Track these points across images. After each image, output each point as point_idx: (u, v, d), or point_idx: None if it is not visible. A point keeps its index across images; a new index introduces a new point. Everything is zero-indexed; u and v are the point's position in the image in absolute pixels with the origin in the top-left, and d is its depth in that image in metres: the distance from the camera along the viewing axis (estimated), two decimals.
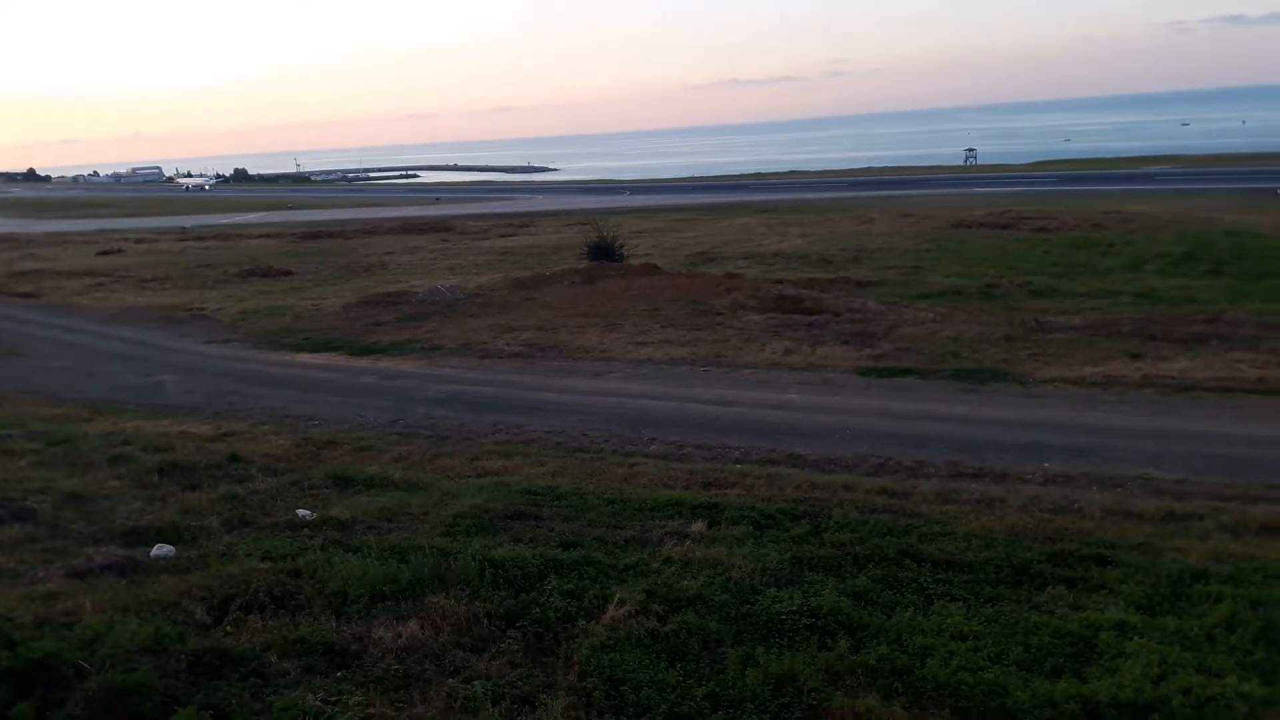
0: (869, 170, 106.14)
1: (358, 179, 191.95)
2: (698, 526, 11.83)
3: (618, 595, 9.47)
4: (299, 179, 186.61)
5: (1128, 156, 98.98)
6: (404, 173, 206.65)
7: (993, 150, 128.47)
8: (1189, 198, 54.18)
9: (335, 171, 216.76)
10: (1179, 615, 9.28)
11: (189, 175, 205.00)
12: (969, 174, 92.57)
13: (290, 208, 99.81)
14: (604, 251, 39.46)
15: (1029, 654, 8.49)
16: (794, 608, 9.34)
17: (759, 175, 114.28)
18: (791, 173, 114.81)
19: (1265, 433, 16.24)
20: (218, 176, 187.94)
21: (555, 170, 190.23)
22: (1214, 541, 11.51)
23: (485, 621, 8.97)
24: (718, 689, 7.84)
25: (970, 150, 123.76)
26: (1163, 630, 8.91)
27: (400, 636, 8.60)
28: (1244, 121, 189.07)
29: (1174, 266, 32.84)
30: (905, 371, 21.40)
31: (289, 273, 46.10)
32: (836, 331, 25.60)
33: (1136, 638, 8.71)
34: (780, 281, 33.42)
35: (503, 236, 59.92)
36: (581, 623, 9.03)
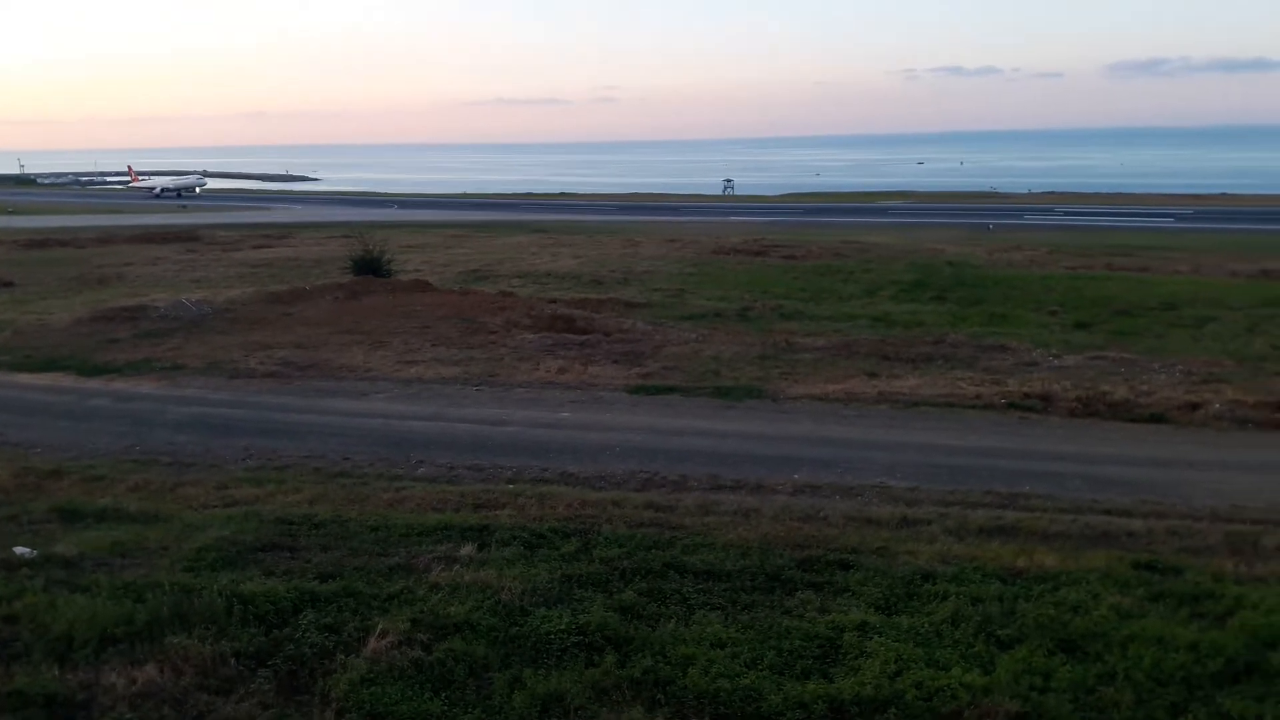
0: (636, 195, 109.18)
1: (92, 183, 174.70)
2: (467, 550, 11.68)
3: (380, 626, 9.18)
4: (22, 180, 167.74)
5: (867, 191, 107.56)
6: (147, 177, 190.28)
7: (748, 181, 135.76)
8: (918, 230, 59.59)
9: (66, 174, 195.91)
10: (912, 614, 10.14)
11: None
12: (727, 203, 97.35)
13: (10, 212, 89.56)
14: (370, 266, 38.18)
15: (781, 658, 8.99)
16: (563, 626, 9.41)
17: (531, 195, 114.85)
18: (563, 194, 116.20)
19: (983, 444, 18.06)
20: None
21: (317, 180, 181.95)
22: (941, 544, 12.66)
23: (233, 661, 8.49)
24: (484, 715, 7.76)
25: (728, 180, 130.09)
26: (898, 628, 9.71)
27: (135, 682, 7.94)
28: (961, 162, 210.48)
29: (905, 293, 35.98)
30: (671, 389, 22.13)
31: (9, 284, 41.33)
32: (608, 351, 26.10)
33: (876, 637, 9.44)
34: (554, 301, 33.69)
35: (257, 248, 56.62)
36: (340, 657, 8.70)
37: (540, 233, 63.18)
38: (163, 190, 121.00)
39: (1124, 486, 15.63)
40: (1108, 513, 14.40)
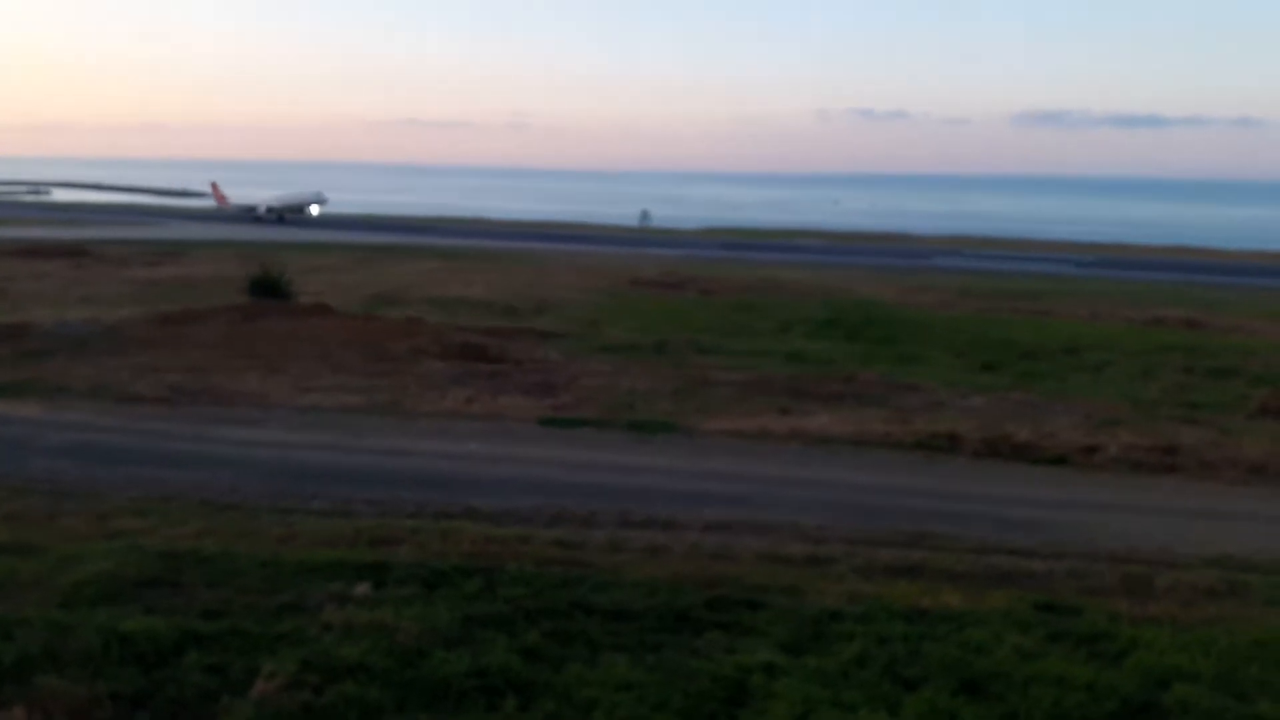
0: (551, 224, 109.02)
1: None
2: (363, 588, 11.21)
3: (268, 667, 8.74)
4: None
5: (782, 229, 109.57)
6: (33, 187, 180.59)
7: (665, 214, 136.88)
8: (831, 269, 60.78)
9: None
10: (819, 654, 10.04)
11: None
12: (643, 235, 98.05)
13: None
14: (269, 288, 36.85)
15: (689, 700, 8.78)
16: (463, 669, 9.07)
17: (442, 219, 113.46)
18: (475, 220, 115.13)
19: (891, 482, 18.25)
20: None
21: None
22: (849, 583, 12.66)
23: (109, 704, 8.04)
24: None
25: (645, 212, 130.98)
26: (805, 669, 9.59)
27: None
28: (836, 201, 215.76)
29: (818, 331, 36.55)
30: (583, 422, 21.86)
31: None
32: (519, 381, 25.73)
33: (783, 678, 9.31)
34: (463, 328, 33.15)
35: (149, 265, 54.20)
36: (225, 700, 8.26)
37: (450, 258, 62.37)
38: (268, 210, 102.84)
39: (1027, 527, 15.93)
40: (1011, 553, 14.63)
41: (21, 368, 25.50)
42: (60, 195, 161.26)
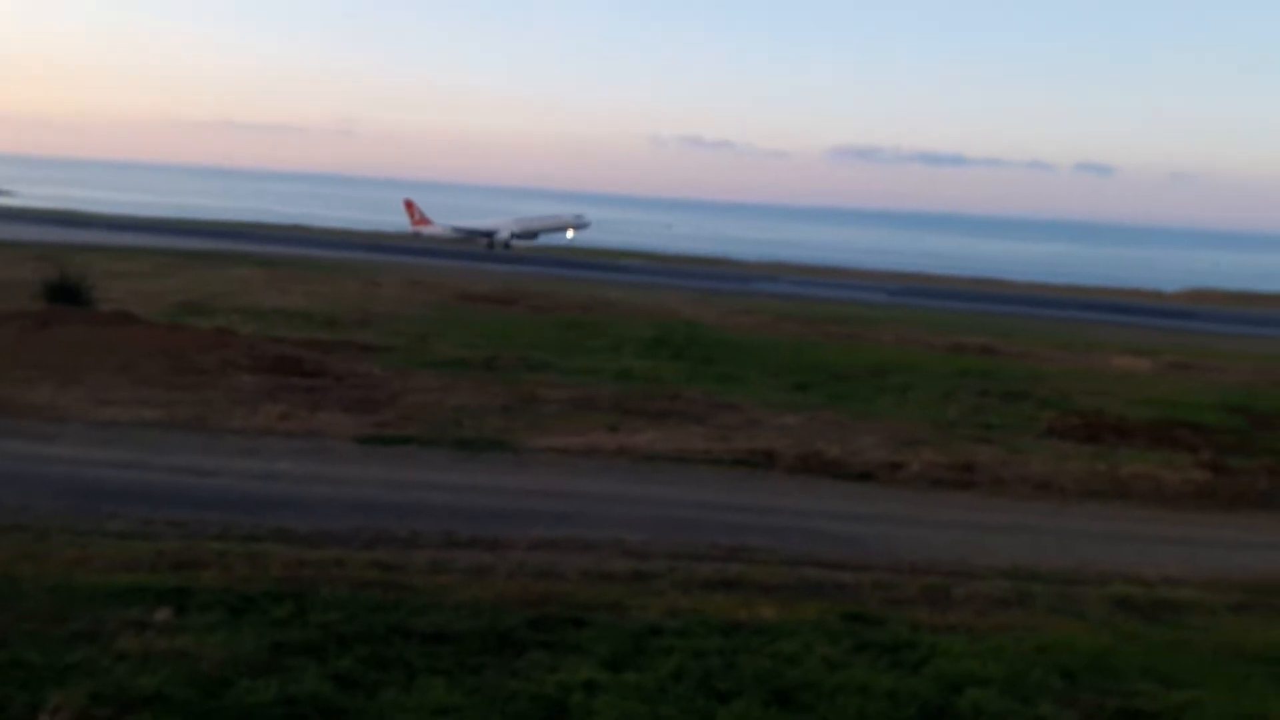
0: (379, 234, 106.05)
1: None
2: (163, 614, 10.54)
3: (54, 700, 8.12)
4: None
5: (614, 249, 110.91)
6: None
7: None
8: (658, 290, 61.98)
9: None
10: (639, 670, 10.19)
11: None
12: (477, 248, 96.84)
13: None
14: (66, 293, 34.13)
15: None
16: (269, 698, 8.68)
17: (260, 225, 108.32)
18: (297, 227, 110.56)
19: (712, 498, 18.76)
20: None
21: (9, 194, 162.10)
22: (670, 598, 12.91)
23: None
24: None
25: None
26: (625, 685, 9.71)
27: None
28: (669, 225, 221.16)
29: (646, 350, 37.14)
30: (407, 440, 21.32)
31: None
32: (339, 397, 24.83)
33: (603, 695, 9.38)
34: (279, 340, 31.71)
35: None
36: None
37: (268, 266, 59.57)
38: (513, 237, 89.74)
39: (837, 540, 16.72)
40: (822, 565, 15.31)
41: None
42: None
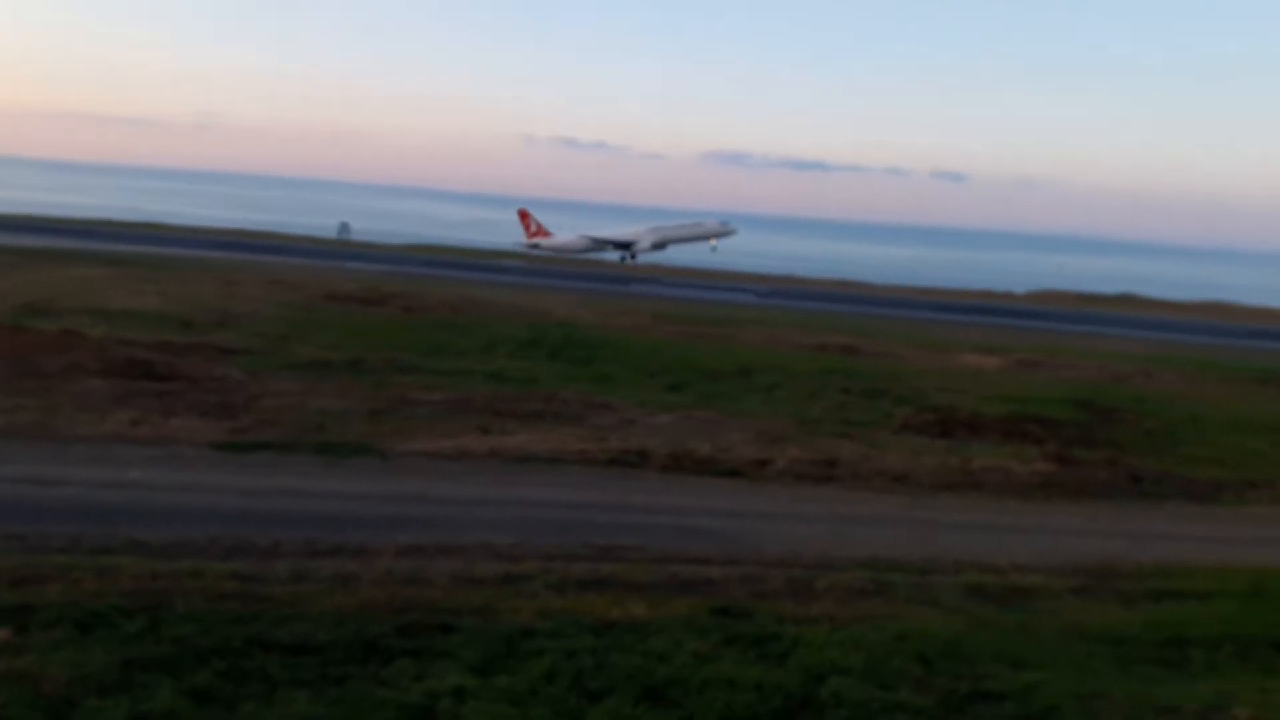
0: (239, 231, 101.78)
1: None
2: (2, 634, 9.91)
3: None
4: None
5: (489, 249, 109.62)
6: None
7: (367, 227, 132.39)
8: (534, 291, 61.65)
9: None
10: (510, 673, 10.14)
11: None
12: (342, 247, 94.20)
13: None
14: None
15: None
16: (120, 717, 8.29)
17: (112, 222, 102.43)
18: (151, 224, 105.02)
19: (585, 498, 18.82)
20: None
21: None
22: (542, 600, 12.90)
23: None
24: None
25: (345, 224, 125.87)
26: (495, 689, 9.66)
27: None
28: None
29: (520, 351, 36.89)
30: (267, 446, 20.56)
31: None
32: (194, 401, 23.74)
33: (472, 700, 9.31)
34: (130, 343, 30.07)
35: None
36: None
37: (118, 265, 56.33)
38: (653, 246, 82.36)
39: (707, 536, 17.04)
40: (692, 561, 15.59)
41: None
42: None
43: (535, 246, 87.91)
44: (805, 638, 12.62)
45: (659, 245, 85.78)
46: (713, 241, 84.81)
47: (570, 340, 39.62)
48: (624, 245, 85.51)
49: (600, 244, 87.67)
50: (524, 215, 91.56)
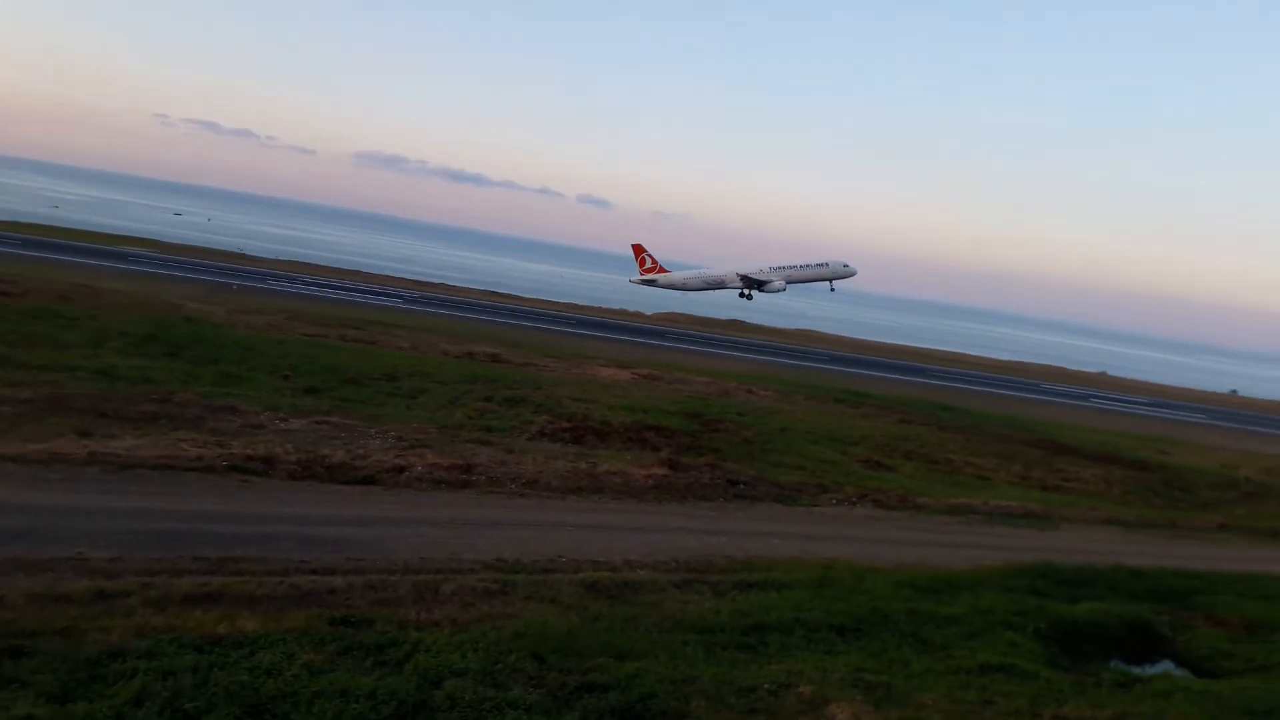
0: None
1: None
2: None
3: None
4: None
5: (109, 233, 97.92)
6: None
7: None
8: (161, 282, 56.01)
9: None
10: (92, 698, 9.33)
11: None
12: None
13: None
14: None
15: None
16: None
17: None
18: None
19: (199, 508, 17.57)
20: None
21: None
22: (139, 617, 11.93)
23: None
24: None
25: None
26: (73, 716, 8.85)
27: None
28: (209, 219, 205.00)
29: (136, 346, 33.47)
30: None
31: None
32: None
33: None
34: None
35: None
36: None
37: None
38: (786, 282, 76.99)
39: (333, 545, 16.63)
40: (314, 572, 15.16)
41: None
42: None
43: (651, 282, 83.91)
44: (425, 642, 12.80)
45: (774, 286, 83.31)
46: (832, 285, 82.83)
47: (196, 337, 36.70)
48: (757, 285, 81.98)
49: (716, 283, 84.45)
50: (638, 250, 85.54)
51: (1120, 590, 20.23)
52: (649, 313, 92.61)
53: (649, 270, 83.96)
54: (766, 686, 13.41)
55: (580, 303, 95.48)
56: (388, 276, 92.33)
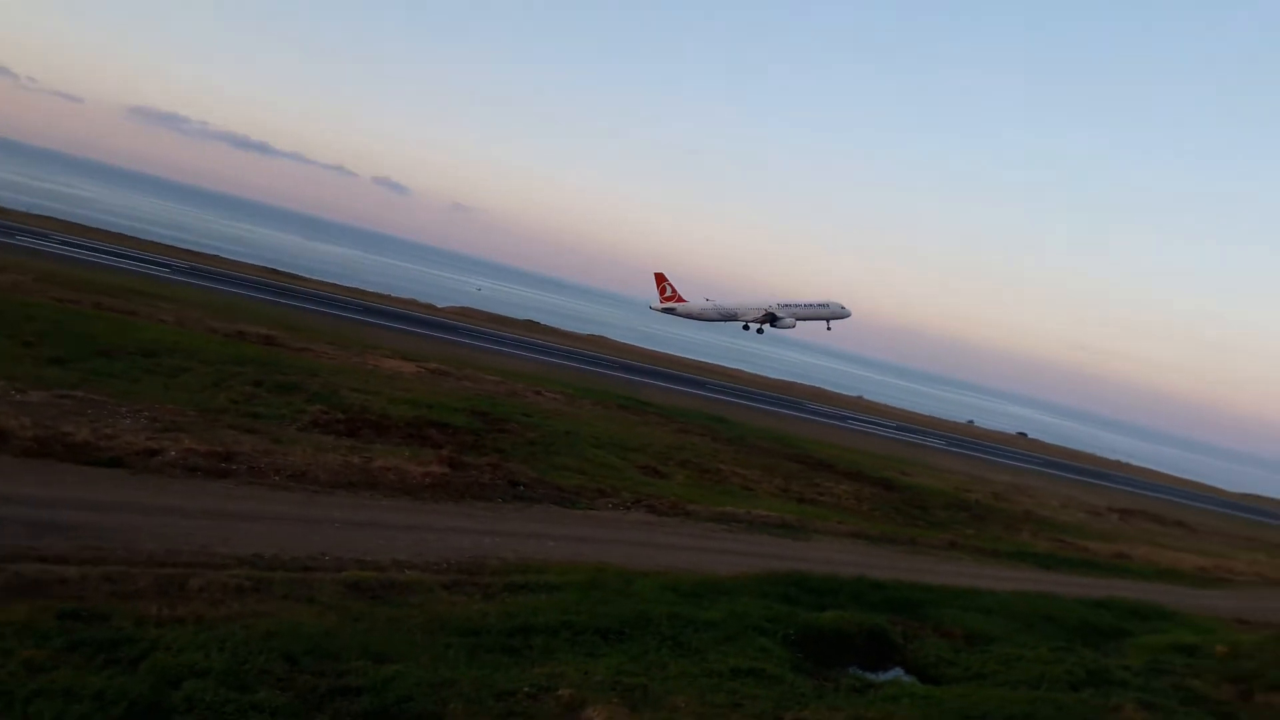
0: None
1: None
2: None
3: None
4: None
5: None
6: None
7: None
8: None
9: None
10: None
11: None
12: None
13: None
14: None
15: None
16: None
17: None
18: None
19: None
20: None
21: None
22: None
23: None
24: None
25: None
26: None
27: None
28: None
29: None
30: None
31: None
32: None
33: None
34: None
35: None
36: None
37: None
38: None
39: (69, 532, 15.25)
40: (43, 560, 13.86)
41: None
42: None
43: (670, 310, 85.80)
44: (166, 640, 12.00)
45: (776, 321, 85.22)
46: (829, 325, 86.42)
47: None
48: (770, 320, 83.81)
49: (730, 315, 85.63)
50: (660, 278, 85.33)
51: (862, 600, 21.80)
52: (441, 305, 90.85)
53: (669, 299, 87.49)
54: (526, 690, 13.49)
55: (366, 288, 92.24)
56: (156, 243, 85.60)
